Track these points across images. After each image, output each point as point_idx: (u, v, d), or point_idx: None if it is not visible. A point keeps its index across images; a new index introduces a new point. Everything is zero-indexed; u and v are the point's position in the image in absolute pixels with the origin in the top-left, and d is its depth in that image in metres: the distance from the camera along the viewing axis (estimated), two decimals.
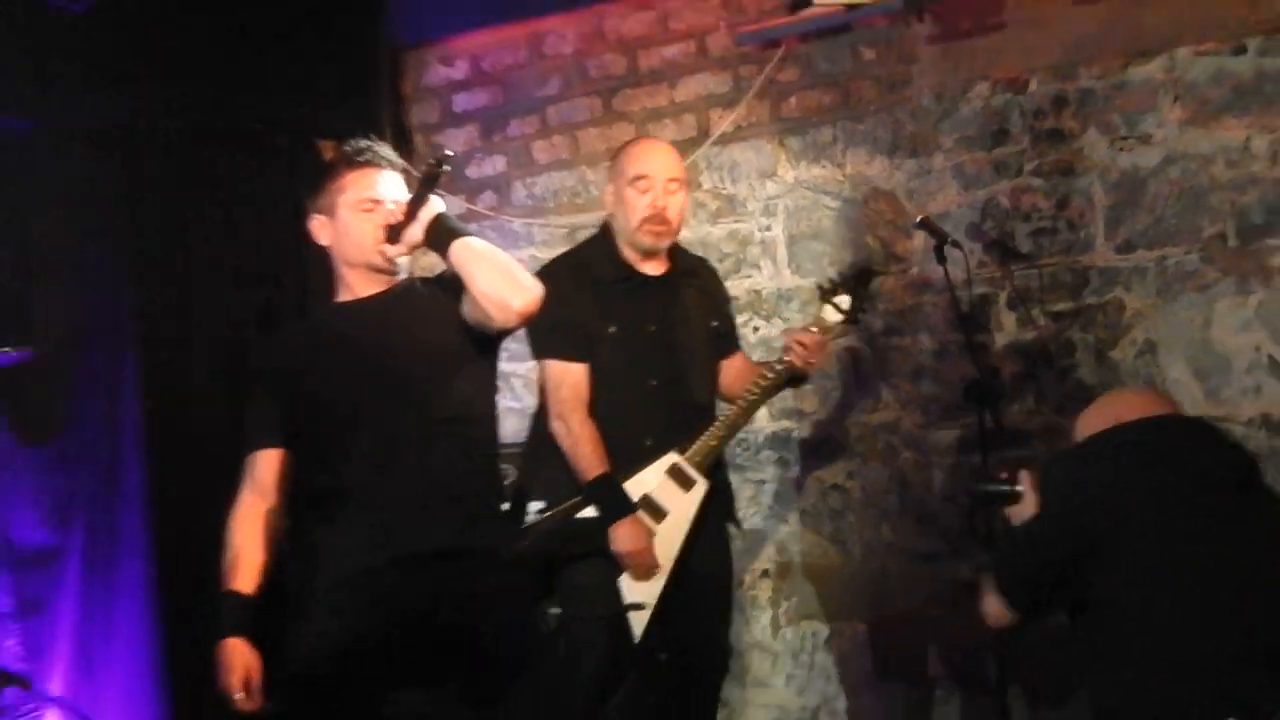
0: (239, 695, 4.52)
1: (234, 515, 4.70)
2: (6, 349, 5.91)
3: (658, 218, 5.65)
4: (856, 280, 5.84)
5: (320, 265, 4.94)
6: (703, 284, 5.99)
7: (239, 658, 4.52)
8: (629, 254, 5.74)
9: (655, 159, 5.76)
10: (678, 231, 5.82)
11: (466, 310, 4.56)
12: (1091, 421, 4.60)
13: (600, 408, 5.57)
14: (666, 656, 5.71)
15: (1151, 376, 5.91)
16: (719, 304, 6.07)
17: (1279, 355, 5.63)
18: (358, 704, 4.65)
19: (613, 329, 5.53)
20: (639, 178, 5.66)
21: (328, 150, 5.04)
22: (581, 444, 5.56)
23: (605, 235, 5.84)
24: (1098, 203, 6.00)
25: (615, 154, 5.99)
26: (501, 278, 4.52)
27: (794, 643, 6.79)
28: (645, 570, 5.62)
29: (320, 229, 4.72)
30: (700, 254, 6.52)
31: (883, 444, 6.55)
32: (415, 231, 4.54)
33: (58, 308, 6.93)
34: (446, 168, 4.62)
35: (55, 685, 6.62)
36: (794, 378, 5.79)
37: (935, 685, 6.47)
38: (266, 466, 4.71)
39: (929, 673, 6.47)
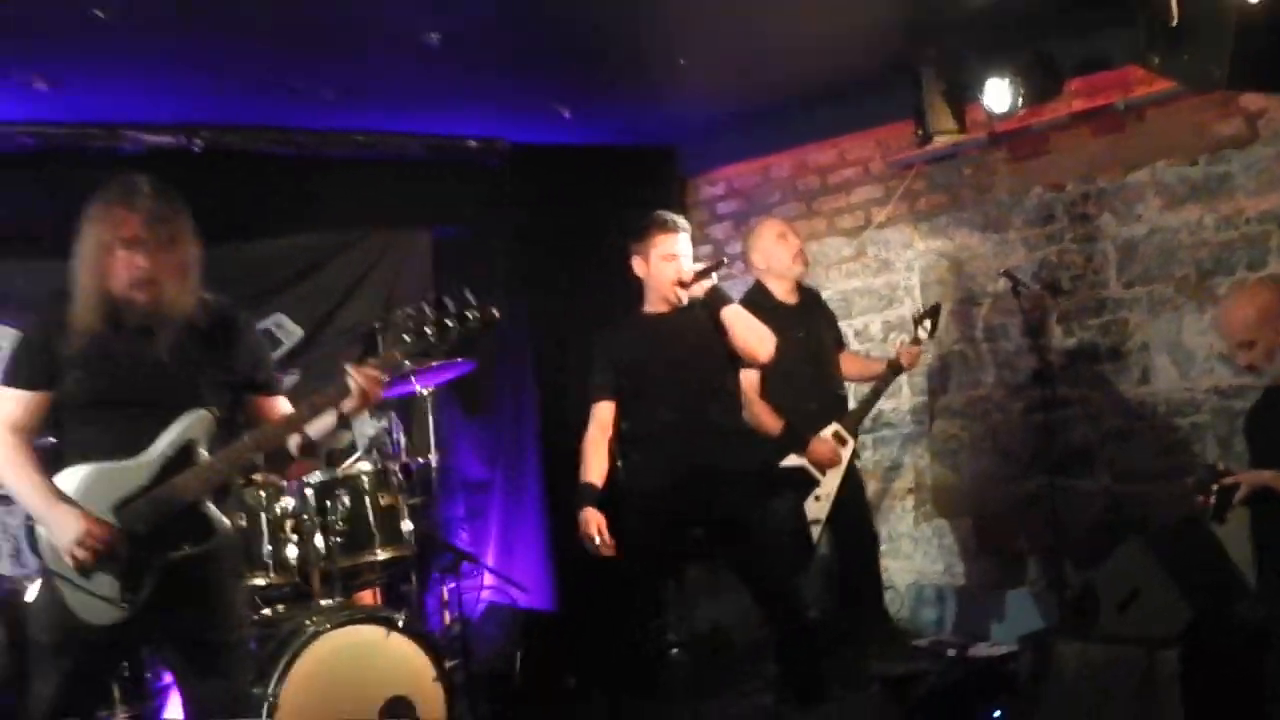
0: (596, 541, 5.02)
1: (587, 440, 5.23)
2: (461, 363, 6.38)
3: (796, 281, 6.36)
4: (933, 311, 6.56)
5: (628, 283, 5.37)
6: (823, 309, 6.58)
7: (593, 519, 5.05)
8: (777, 295, 6.29)
9: (782, 238, 6.35)
10: (802, 274, 6.41)
11: (726, 341, 5.19)
12: None
13: (775, 389, 6.00)
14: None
15: (1145, 365, 6.37)
16: (833, 323, 6.62)
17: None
18: (667, 567, 5.43)
19: (775, 339, 5.58)
20: (774, 252, 6.33)
21: (647, 217, 5.27)
22: (764, 417, 6.03)
23: (759, 286, 6.36)
24: (1110, 258, 6.49)
25: (752, 232, 6.54)
26: (754, 338, 5.17)
27: (927, 531, 7.36)
28: (832, 467, 6.16)
29: (638, 266, 5.27)
30: (867, 296, 7.32)
31: (981, 409, 7.08)
32: (697, 289, 5.16)
33: (490, 334, 7.59)
34: (725, 264, 5.41)
35: (489, 559, 7.42)
36: (898, 370, 6.43)
37: (1015, 556, 6.93)
38: (606, 411, 5.23)
39: (1012, 548, 6.94)
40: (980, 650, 6.51)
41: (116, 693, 4.89)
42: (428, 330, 3.88)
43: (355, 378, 3.76)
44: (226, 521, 3.82)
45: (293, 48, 5.68)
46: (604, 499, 5.18)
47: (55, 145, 6.30)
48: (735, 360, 5.28)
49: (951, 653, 6.54)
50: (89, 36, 5.20)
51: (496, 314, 4.05)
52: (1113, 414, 6.58)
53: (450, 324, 3.90)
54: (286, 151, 6.95)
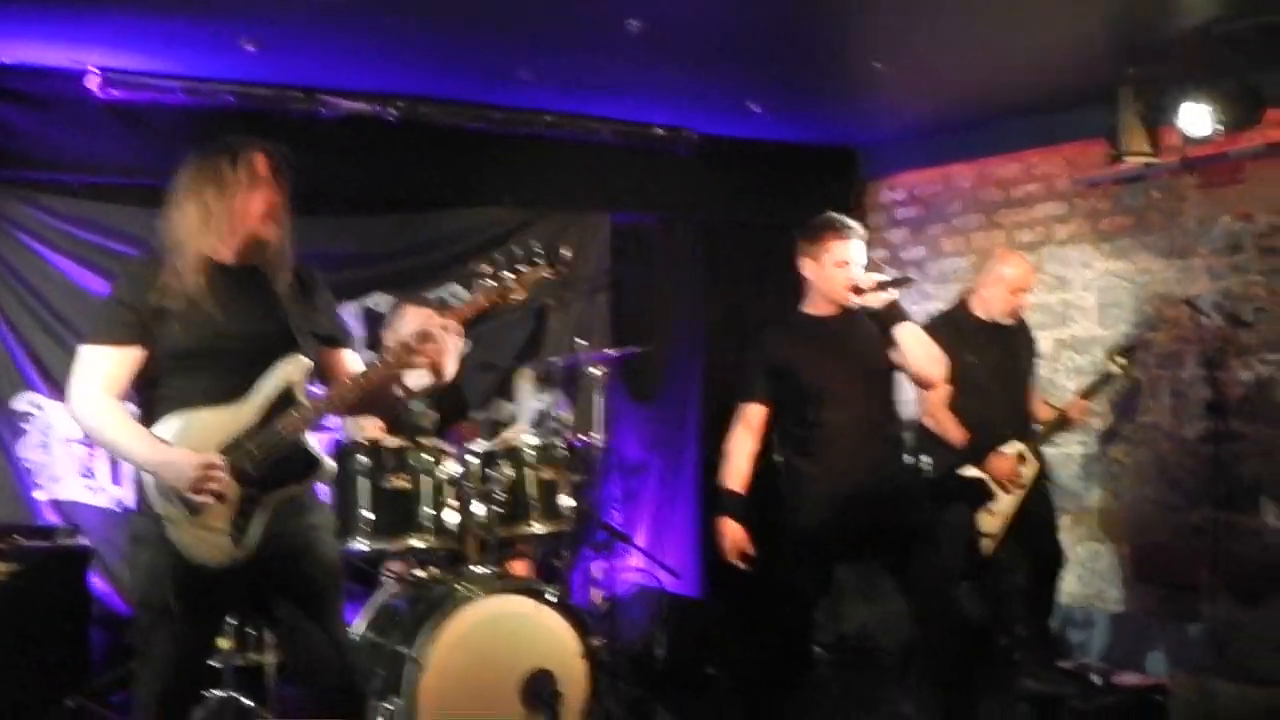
0: (732, 558, 5.06)
1: (731, 441, 5.15)
2: (631, 348, 6.63)
3: (1010, 311, 6.28)
4: (1130, 349, 6.51)
5: (791, 281, 5.29)
6: (1026, 334, 6.48)
7: (729, 531, 5.05)
8: (981, 315, 6.26)
9: (1017, 273, 6.26)
10: (1017, 314, 6.34)
11: (894, 357, 5.04)
12: None
13: (963, 405, 6.05)
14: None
15: None
16: (1033, 348, 6.52)
17: None
18: (824, 569, 5.32)
19: (971, 358, 5.91)
20: (1005, 281, 6.23)
21: (822, 219, 5.13)
22: (948, 427, 6.10)
23: (965, 303, 6.34)
24: None
25: (993, 256, 6.54)
26: (928, 360, 5.03)
27: (1081, 554, 7.18)
28: (1011, 484, 6.11)
29: (806, 266, 5.12)
30: (1042, 313, 7.12)
31: (1149, 435, 6.92)
32: (875, 301, 4.96)
33: (663, 322, 7.67)
34: (912, 281, 5.30)
35: (641, 540, 7.43)
36: (1066, 423, 6.41)
37: (1173, 587, 6.74)
38: (756, 415, 5.13)
39: (1170, 579, 6.76)
40: (1127, 679, 6.36)
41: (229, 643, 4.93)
42: (501, 277, 3.82)
43: (424, 323, 3.75)
44: (329, 460, 3.85)
45: (491, 26, 5.68)
46: (748, 504, 5.14)
47: (256, 105, 6.42)
48: (895, 370, 5.16)
49: (1097, 679, 6.38)
50: (295, 2, 5.26)
51: (568, 254, 4.02)
52: None
53: (521, 268, 3.83)
54: (477, 127, 7.02)
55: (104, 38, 5.71)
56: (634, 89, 6.76)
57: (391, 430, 5.36)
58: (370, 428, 5.42)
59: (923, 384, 5.23)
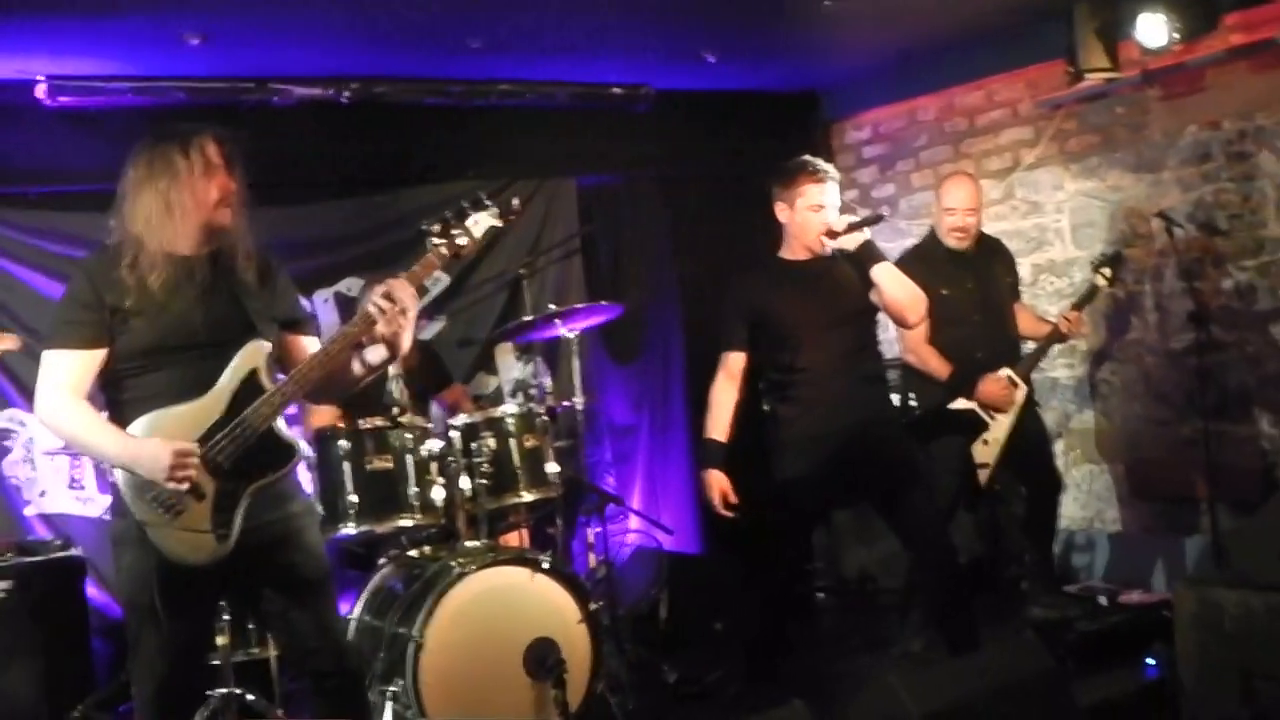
0: (717, 505, 5.06)
1: (714, 390, 5.17)
2: (613, 304, 6.33)
3: (959, 232, 6.15)
4: (1114, 259, 6.40)
5: (775, 228, 5.20)
6: (1001, 256, 6.41)
7: (713, 480, 5.07)
8: (949, 244, 6.16)
9: (959, 195, 6.16)
10: (976, 234, 6.19)
11: (873, 297, 5.06)
12: None
13: (944, 337, 5.98)
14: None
15: None
16: (1011, 269, 6.45)
17: None
18: (813, 512, 5.43)
19: (945, 290, 5.78)
20: (948, 210, 6.16)
21: (796, 163, 5.10)
22: (931, 362, 6.03)
23: (933, 235, 6.26)
24: (1269, 196, 6.25)
25: (938, 185, 6.43)
26: (906, 298, 5.01)
27: (1076, 476, 7.17)
28: (1005, 409, 6.02)
29: (781, 211, 5.10)
30: (1016, 239, 7.04)
31: (1134, 352, 6.88)
32: (849, 243, 4.95)
33: (641, 283, 7.64)
34: (885, 215, 5.31)
35: (635, 502, 7.45)
36: (1060, 338, 6.33)
37: (1170, 501, 6.76)
38: (736, 362, 5.13)
39: (1167, 494, 6.77)
40: (1133, 597, 6.35)
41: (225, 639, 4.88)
42: (449, 234, 3.84)
43: (374, 300, 3.70)
44: (302, 444, 3.83)
45: None
46: (741, 452, 5.12)
47: (208, 99, 6.33)
48: (874, 309, 5.17)
49: (1103, 600, 6.38)
50: None
51: (517, 202, 4.06)
52: (1272, 358, 6.35)
53: (468, 219, 3.85)
54: (433, 102, 6.94)
55: (47, 45, 5.64)
56: (588, 49, 6.68)
57: (369, 412, 5.31)
58: (325, 418, 5.37)
59: (904, 323, 5.23)
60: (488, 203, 3.91)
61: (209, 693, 4.77)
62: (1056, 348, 6.64)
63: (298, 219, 6.71)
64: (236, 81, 6.38)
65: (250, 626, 5.11)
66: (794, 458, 5.06)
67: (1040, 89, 7.21)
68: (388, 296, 3.66)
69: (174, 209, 3.62)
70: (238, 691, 4.92)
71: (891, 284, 5.01)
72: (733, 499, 5.04)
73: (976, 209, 6.23)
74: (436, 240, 3.83)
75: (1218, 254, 6.52)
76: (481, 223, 3.86)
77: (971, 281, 6.20)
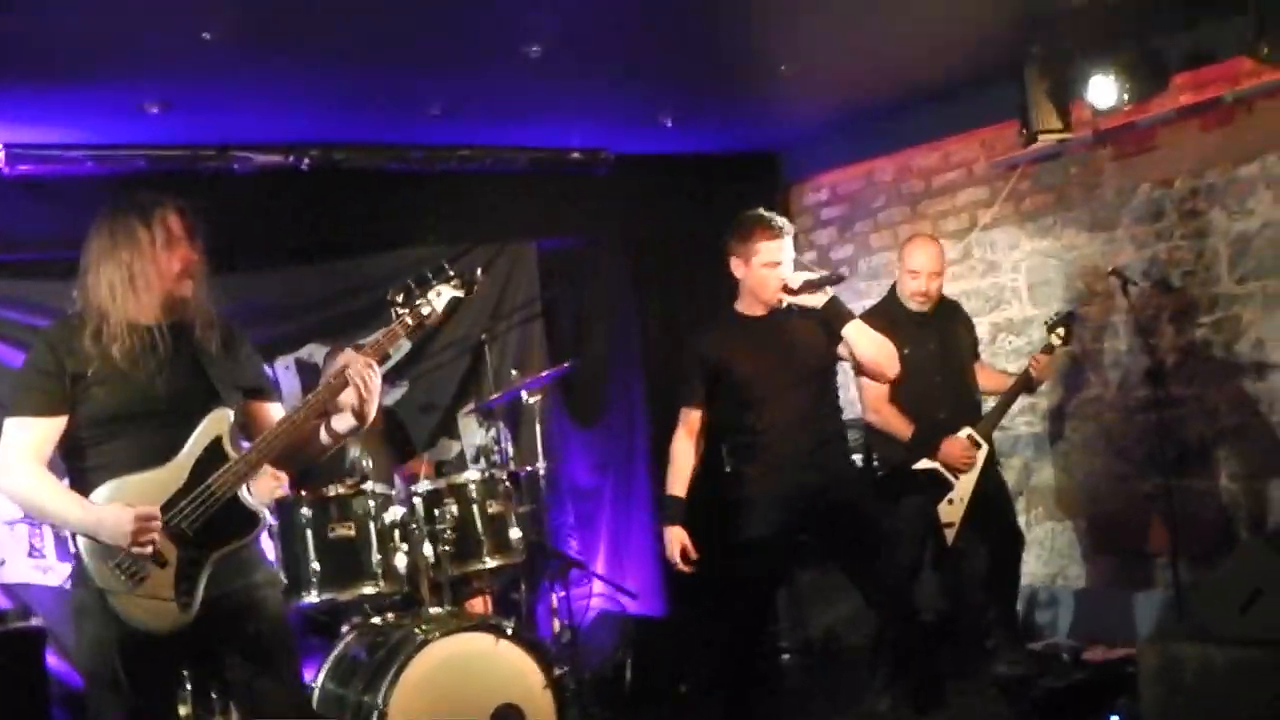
0: (676, 561, 5.03)
1: (673, 447, 5.14)
2: (567, 364, 6.55)
3: (921, 296, 6.16)
4: (1067, 319, 6.40)
5: (732, 291, 5.19)
6: (960, 316, 6.44)
7: (675, 538, 5.03)
8: (911, 305, 6.17)
9: (922, 258, 6.17)
10: (937, 298, 6.22)
11: (842, 350, 5.01)
12: None
13: (906, 397, 5.95)
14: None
15: (1260, 360, 6.16)
16: (970, 329, 6.48)
17: None
18: (776, 572, 5.37)
19: (906, 350, 5.50)
20: (911, 273, 6.17)
21: (751, 218, 5.06)
22: (893, 422, 6.03)
23: (894, 292, 6.27)
24: (1222, 254, 6.29)
25: (901, 246, 6.42)
26: (881, 355, 5.04)
27: (1039, 534, 7.16)
28: (967, 469, 6.02)
29: (736, 267, 5.07)
30: (974, 298, 7.13)
31: (1093, 409, 6.90)
32: (812, 301, 4.91)
33: (599, 344, 7.66)
34: (845, 275, 5.21)
35: (599, 565, 7.41)
36: (1030, 385, 6.31)
37: (1132, 557, 6.74)
38: (695, 418, 5.11)
39: (1129, 550, 6.75)
40: (1097, 654, 6.35)
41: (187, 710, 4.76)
42: (413, 304, 3.86)
43: (344, 366, 3.72)
44: (266, 512, 3.80)
45: (396, 65, 5.65)
46: (703, 512, 5.10)
47: (168, 166, 6.34)
48: (834, 366, 5.16)
49: (1066, 656, 6.38)
50: (197, 59, 5.21)
51: (480, 274, 4.10)
52: (1228, 412, 6.38)
53: (431, 290, 3.87)
54: (393, 168, 6.98)
55: (5, 113, 5.63)
56: (546, 114, 6.73)
57: (333, 480, 5.30)
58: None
59: (881, 378, 5.24)
60: (450, 272, 3.92)
61: None
62: (1017, 405, 6.62)
63: (259, 285, 6.71)
64: (197, 149, 6.40)
65: (214, 696, 5.04)
66: (757, 518, 5.03)
67: (995, 149, 7.28)
68: (345, 371, 3.68)
69: (137, 281, 3.61)
70: None
71: (864, 342, 5.00)
72: (693, 555, 5.01)
73: (940, 272, 6.26)
74: (400, 310, 3.84)
75: (1173, 310, 6.56)
76: (444, 294, 3.88)
77: (934, 342, 6.21)
